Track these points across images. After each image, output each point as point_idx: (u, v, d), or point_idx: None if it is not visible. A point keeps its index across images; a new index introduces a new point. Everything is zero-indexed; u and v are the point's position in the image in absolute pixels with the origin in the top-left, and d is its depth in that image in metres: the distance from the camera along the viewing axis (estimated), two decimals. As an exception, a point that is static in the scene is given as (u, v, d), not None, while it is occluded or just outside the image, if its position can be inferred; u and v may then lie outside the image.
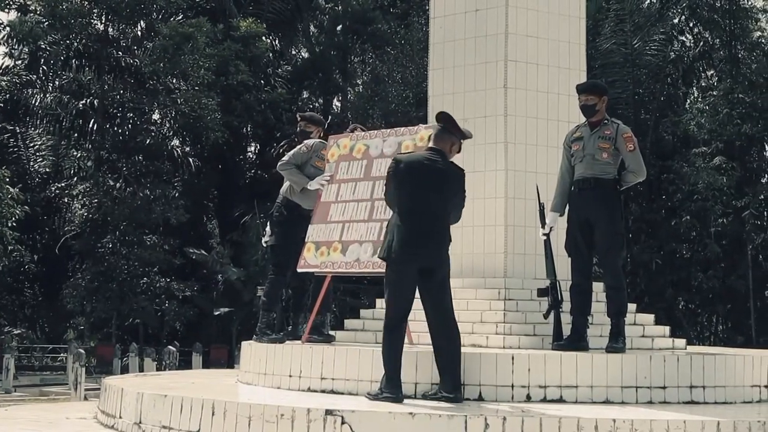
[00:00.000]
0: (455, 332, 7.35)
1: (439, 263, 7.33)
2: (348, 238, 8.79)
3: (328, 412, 6.66)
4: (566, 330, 8.40)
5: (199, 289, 29.23)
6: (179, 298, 28.50)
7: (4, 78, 29.74)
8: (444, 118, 7.62)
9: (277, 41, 34.95)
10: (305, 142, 9.62)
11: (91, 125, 30.15)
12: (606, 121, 8.54)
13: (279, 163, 9.56)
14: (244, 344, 9.59)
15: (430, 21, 10.59)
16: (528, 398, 7.59)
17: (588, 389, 7.65)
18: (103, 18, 29.33)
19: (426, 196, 7.30)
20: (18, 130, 30.70)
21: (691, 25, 30.74)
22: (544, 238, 8.66)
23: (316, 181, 9.26)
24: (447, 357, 7.29)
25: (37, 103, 30.37)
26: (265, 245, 10.17)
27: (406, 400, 7.24)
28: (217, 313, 28.63)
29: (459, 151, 7.66)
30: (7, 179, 24.62)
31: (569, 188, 8.61)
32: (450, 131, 7.57)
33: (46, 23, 28.51)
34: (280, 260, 9.39)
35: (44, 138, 30.69)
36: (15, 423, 9.01)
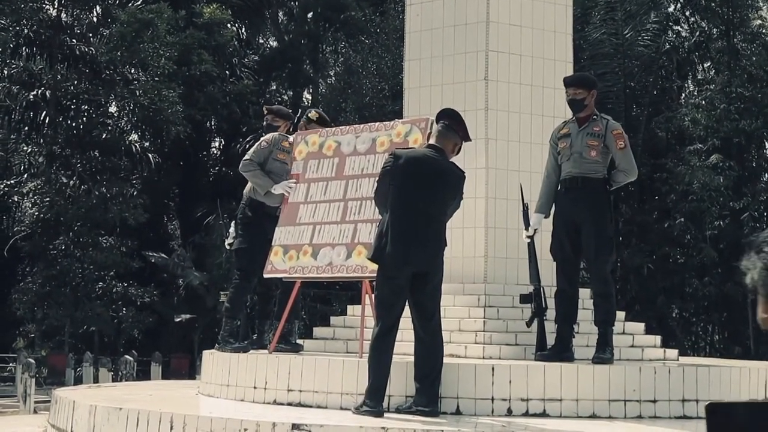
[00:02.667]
0: (439, 343, 7.36)
1: (434, 269, 7.35)
2: (319, 241, 8.79)
3: (295, 427, 6.66)
4: (550, 339, 8.44)
5: (158, 295, 29.14)
6: (137, 304, 28.41)
7: (-52, 66, 29.61)
8: (449, 115, 7.60)
9: (243, 29, 34.91)
10: (264, 136, 9.64)
11: (42, 118, 30.02)
12: (595, 117, 8.58)
13: (241, 164, 9.55)
14: (206, 353, 9.58)
15: (406, 8, 10.62)
16: (509, 412, 7.61)
17: (573, 403, 7.68)
18: (56, 2, 29.21)
19: (425, 196, 7.31)
20: (-37, 123, 30.55)
21: (687, 13, 30.91)
22: (528, 241, 8.70)
23: (281, 185, 9.23)
24: (426, 368, 7.30)
25: (-17, 94, 30.20)
26: (228, 248, 10.18)
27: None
28: (177, 320, 28.58)
29: (458, 153, 7.67)
30: (-48, 176, 24.49)
31: (555, 188, 8.65)
32: (455, 130, 7.57)
33: (-6, 8, 28.37)
34: (246, 264, 9.38)
35: (-8, 131, 30.53)
36: (-42, 438, 8.97)
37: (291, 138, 9.55)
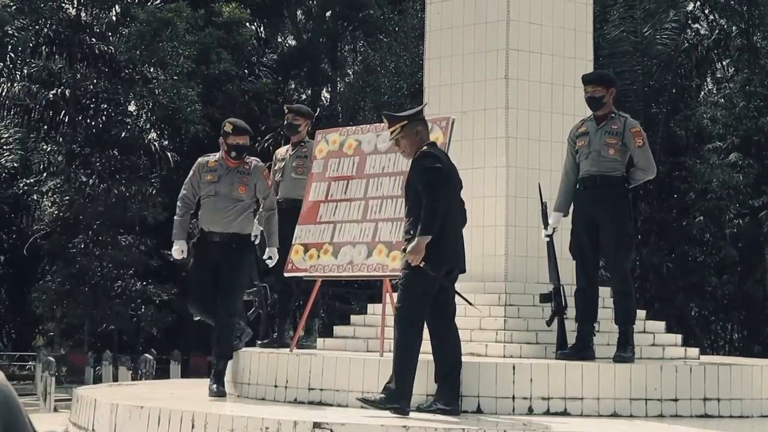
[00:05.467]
0: (458, 340, 7.37)
1: (463, 266, 7.44)
2: (340, 240, 8.79)
3: (316, 425, 6.67)
4: (571, 338, 8.42)
5: (177, 293, 29.22)
6: (156, 302, 28.49)
7: (-31, 66, 29.76)
8: (411, 114, 7.51)
9: (262, 28, 34.97)
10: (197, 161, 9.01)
11: (62, 117, 30.13)
12: (613, 115, 8.57)
13: (178, 198, 8.98)
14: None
15: (426, 7, 10.60)
16: (530, 411, 7.60)
17: (594, 401, 7.67)
18: (76, 2, 29.32)
19: (455, 197, 7.38)
20: (-17, 122, 30.68)
21: (706, 11, 30.80)
22: (547, 239, 8.69)
23: (177, 248, 8.85)
24: (447, 367, 7.30)
25: (4, 93, 30.31)
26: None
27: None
28: (196, 318, 28.58)
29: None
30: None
31: (574, 186, 8.64)
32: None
33: (14, 7, 28.48)
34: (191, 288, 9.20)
35: (12, 130, 30.59)
36: (-21, 436, 8.99)
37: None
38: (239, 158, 8.72)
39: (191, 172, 8.91)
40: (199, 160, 8.94)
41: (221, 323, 8.66)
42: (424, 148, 7.29)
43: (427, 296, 7.18)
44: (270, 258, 8.92)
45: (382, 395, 7.13)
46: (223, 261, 8.57)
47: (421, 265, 6.99)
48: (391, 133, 7.40)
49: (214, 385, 8.54)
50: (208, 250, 8.67)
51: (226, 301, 8.62)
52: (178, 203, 8.88)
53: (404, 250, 7.17)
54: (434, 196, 7.04)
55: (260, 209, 9.03)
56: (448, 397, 7.25)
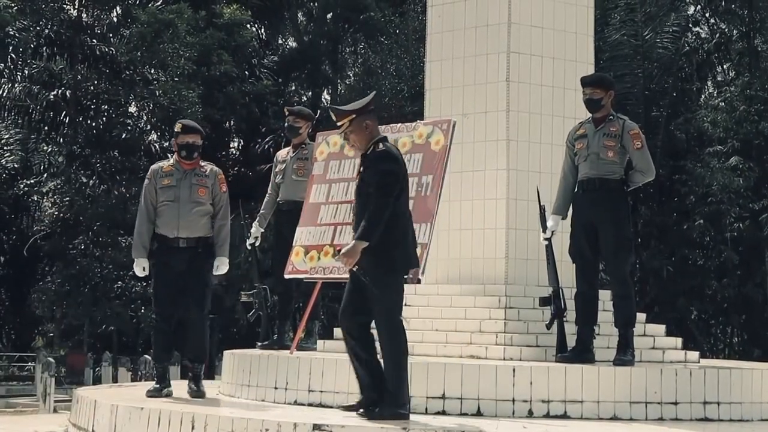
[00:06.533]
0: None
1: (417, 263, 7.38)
2: (340, 242, 8.79)
3: (316, 427, 6.67)
4: (571, 341, 8.43)
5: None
6: (156, 304, 28.43)
7: (-30, 67, 29.75)
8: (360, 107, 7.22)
9: (262, 29, 34.95)
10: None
11: (62, 118, 30.10)
12: (611, 117, 8.58)
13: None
14: (227, 354, 9.61)
15: (427, 9, 10.62)
16: (530, 414, 7.61)
17: (594, 404, 7.68)
18: (77, 3, 29.31)
19: (407, 196, 7.22)
20: (-16, 123, 30.68)
21: (707, 15, 30.80)
22: (546, 243, 8.69)
23: (138, 265, 8.70)
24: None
25: (4, 94, 30.29)
26: (249, 248, 10.22)
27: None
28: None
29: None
30: (-28, 175, 24.62)
31: (572, 189, 8.65)
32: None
33: (15, 8, 28.46)
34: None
35: (12, 131, 30.59)
36: (-20, 437, 9.01)
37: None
38: (190, 158, 8.69)
39: (146, 181, 8.78)
40: (153, 167, 8.86)
41: (195, 327, 8.67)
42: (379, 145, 7.07)
43: (402, 290, 7.08)
44: (217, 268, 8.74)
45: (378, 408, 6.96)
46: (189, 266, 8.52)
47: (354, 269, 6.84)
48: (339, 127, 7.16)
49: (194, 384, 8.65)
50: (171, 257, 8.57)
51: (200, 307, 8.64)
52: (138, 216, 8.74)
53: (339, 251, 6.99)
54: (386, 202, 6.86)
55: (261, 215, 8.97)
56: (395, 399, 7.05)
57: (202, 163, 8.78)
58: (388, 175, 6.93)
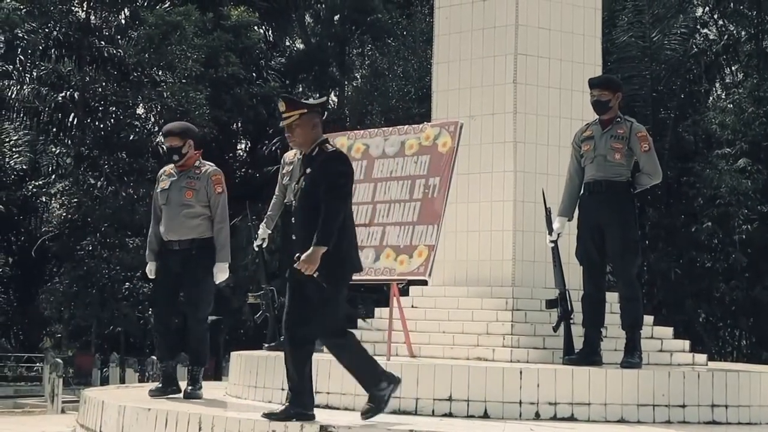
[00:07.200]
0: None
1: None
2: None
3: (323, 429, 6.67)
4: (578, 343, 8.42)
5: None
6: (163, 305, 28.44)
7: (-22, 69, 29.81)
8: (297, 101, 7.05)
9: (270, 31, 34.98)
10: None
11: (71, 119, 30.17)
12: (619, 119, 8.57)
13: None
14: (234, 355, 9.61)
15: (434, 11, 10.62)
16: (537, 416, 7.60)
17: (601, 407, 7.66)
18: (85, 5, 29.36)
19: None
20: (-7, 124, 30.73)
21: (715, 16, 30.75)
22: (551, 245, 8.68)
23: (149, 270, 8.80)
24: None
25: (13, 96, 30.35)
26: (257, 249, 10.21)
27: (404, 417, 7.25)
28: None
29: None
30: (-19, 176, 24.68)
31: (578, 191, 8.64)
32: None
33: (24, 10, 28.52)
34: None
35: (21, 133, 30.62)
36: (-13, 437, 9.03)
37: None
38: (172, 161, 8.77)
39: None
40: (160, 171, 8.94)
41: (193, 332, 8.69)
42: (327, 146, 6.89)
43: (342, 299, 6.99)
44: (216, 275, 8.62)
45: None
46: (185, 269, 8.54)
47: (315, 275, 6.65)
48: (286, 117, 6.87)
49: (189, 387, 8.66)
50: (169, 260, 8.63)
51: (195, 310, 8.65)
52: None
53: (298, 257, 6.71)
54: (341, 206, 6.73)
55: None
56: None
57: (201, 164, 8.78)
58: (341, 177, 6.81)
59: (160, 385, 8.77)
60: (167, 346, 8.81)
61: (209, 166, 8.83)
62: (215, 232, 8.64)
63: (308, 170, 6.87)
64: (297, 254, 6.76)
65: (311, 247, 6.62)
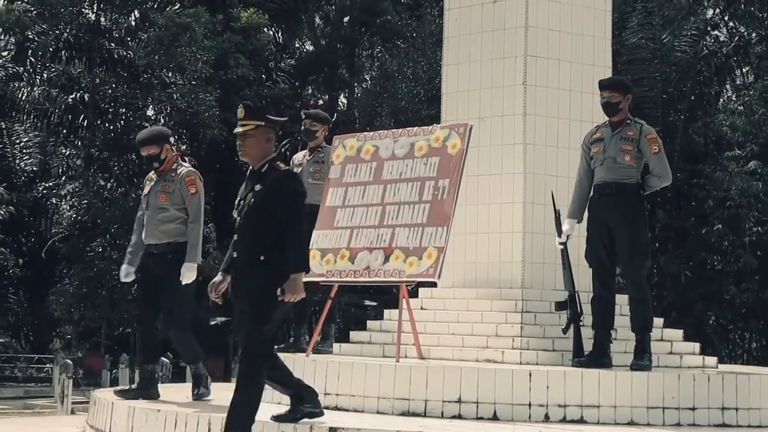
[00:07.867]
0: None
1: None
2: (357, 245, 8.80)
3: (332, 430, 6.67)
4: (588, 345, 8.40)
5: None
6: (173, 306, 28.48)
7: (-11, 70, 29.89)
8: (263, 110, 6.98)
9: (279, 33, 34.99)
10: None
11: (81, 121, 30.21)
12: (629, 121, 8.56)
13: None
14: (243, 357, 9.60)
15: (444, 13, 10.61)
16: (546, 418, 7.59)
17: (611, 409, 7.65)
18: (95, 7, 29.41)
19: None
20: (3, 126, 30.78)
21: (725, 18, 30.68)
22: (561, 247, 8.68)
23: (122, 272, 8.94)
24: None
25: (23, 97, 30.42)
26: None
27: (414, 418, 7.25)
28: (212, 323, 28.64)
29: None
30: (-9, 178, 24.74)
31: (587, 193, 8.63)
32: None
33: (34, 12, 28.60)
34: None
35: (31, 134, 30.76)
36: (-3, 438, 9.05)
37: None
38: (152, 168, 8.86)
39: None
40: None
41: (173, 335, 8.80)
42: (279, 164, 6.73)
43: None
44: (183, 275, 8.51)
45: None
46: (163, 273, 8.56)
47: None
48: (243, 125, 6.65)
49: (195, 388, 8.85)
50: (148, 263, 8.69)
51: (175, 317, 8.65)
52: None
53: (282, 288, 6.39)
54: (300, 225, 6.59)
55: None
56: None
57: (178, 166, 8.82)
58: (300, 197, 6.71)
59: (134, 386, 8.80)
60: (147, 349, 8.86)
61: (184, 168, 8.84)
62: (189, 231, 8.61)
63: (257, 187, 6.62)
64: (234, 276, 6.60)
65: (290, 276, 6.39)
